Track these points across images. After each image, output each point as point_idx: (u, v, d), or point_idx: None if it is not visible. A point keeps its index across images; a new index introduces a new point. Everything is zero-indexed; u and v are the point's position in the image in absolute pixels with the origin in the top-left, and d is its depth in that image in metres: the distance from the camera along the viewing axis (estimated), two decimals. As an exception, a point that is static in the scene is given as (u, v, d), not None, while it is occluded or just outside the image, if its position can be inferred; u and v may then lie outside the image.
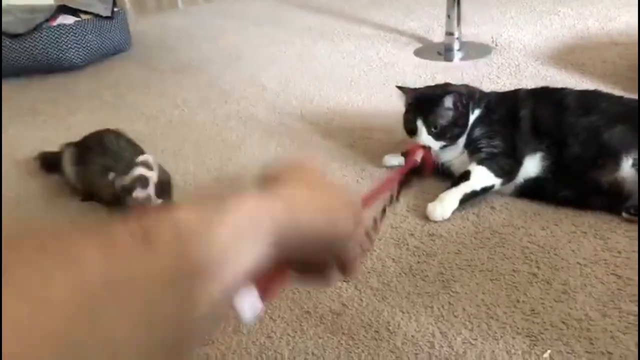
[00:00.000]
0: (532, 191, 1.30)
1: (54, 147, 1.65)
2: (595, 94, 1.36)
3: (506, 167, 1.29)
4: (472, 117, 1.36)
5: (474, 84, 1.97)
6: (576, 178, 1.25)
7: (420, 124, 1.34)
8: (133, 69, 2.43)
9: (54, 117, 1.99)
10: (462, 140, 1.36)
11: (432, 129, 1.33)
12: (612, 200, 1.21)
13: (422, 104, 1.36)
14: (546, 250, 1.14)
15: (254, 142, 1.71)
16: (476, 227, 1.24)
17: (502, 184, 1.30)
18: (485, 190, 1.29)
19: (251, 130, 1.79)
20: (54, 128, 1.90)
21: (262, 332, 1.01)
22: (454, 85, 1.45)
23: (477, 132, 1.35)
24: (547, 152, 1.28)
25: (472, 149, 1.34)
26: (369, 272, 1.13)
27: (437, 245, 1.19)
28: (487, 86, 1.90)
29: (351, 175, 1.48)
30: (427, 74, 2.13)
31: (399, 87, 1.47)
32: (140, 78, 2.32)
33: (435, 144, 1.33)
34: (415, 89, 1.45)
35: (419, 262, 1.15)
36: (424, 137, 1.33)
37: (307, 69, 2.28)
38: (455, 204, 1.27)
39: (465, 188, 1.28)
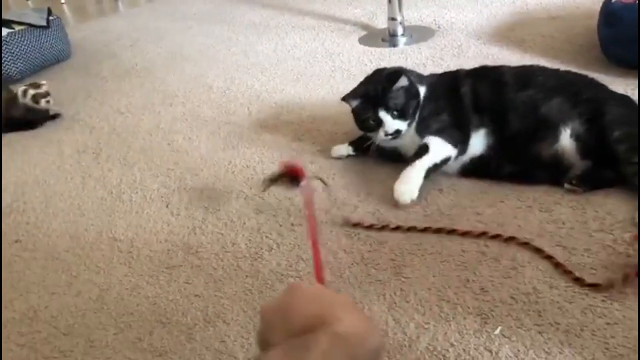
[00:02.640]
0: (477, 169, 1.31)
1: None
2: (532, 69, 1.39)
3: (458, 137, 1.30)
4: (421, 96, 1.37)
5: (419, 67, 1.99)
6: (519, 153, 1.27)
7: (382, 114, 1.32)
8: (74, 78, 2.36)
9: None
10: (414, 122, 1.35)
11: (395, 112, 1.32)
12: (554, 173, 1.23)
13: (373, 97, 1.35)
14: (494, 228, 1.15)
15: (201, 144, 1.68)
16: (425, 210, 1.24)
17: (457, 154, 1.30)
18: (444, 162, 1.29)
19: (198, 132, 1.76)
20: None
21: (215, 337, 0.99)
22: (386, 68, 1.46)
23: (425, 111, 1.35)
24: (490, 128, 1.30)
25: (422, 127, 1.34)
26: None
27: (387, 232, 1.19)
28: (432, 68, 1.91)
29: (300, 169, 1.47)
30: (373, 61, 2.13)
31: (344, 100, 1.42)
32: (82, 87, 2.26)
33: (403, 126, 1.32)
34: (354, 90, 1.42)
35: (370, 250, 1.15)
36: (390, 123, 1.31)
37: (252, 64, 2.26)
38: (420, 180, 1.26)
39: (427, 162, 1.27)
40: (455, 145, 1.29)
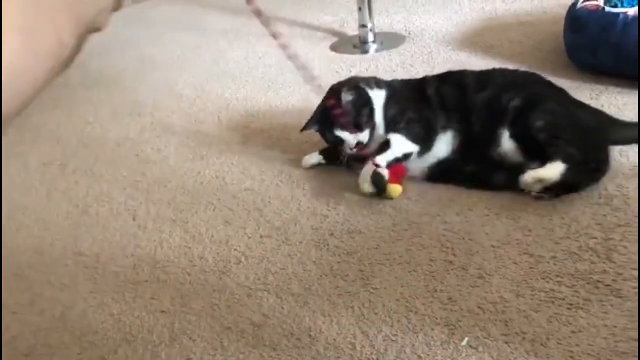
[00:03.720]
0: (443, 173, 1.32)
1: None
2: (492, 71, 1.43)
3: (421, 134, 1.32)
4: (379, 100, 1.38)
5: (389, 73, 1.99)
6: (479, 155, 1.28)
7: (339, 132, 1.34)
8: (41, 88, 2.31)
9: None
10: (381, 125, 1.36)
11: (351, 127, 1.33)
12: (510, 175, 1.24)
13: (326, 117, 1.37)
14: (461, 236, 1.16)
15: (169, 154, 1.66)
16: (393, 219, 1.24)
17: (420, 151, 1.31)
18: (406, 158, 1.30)
19: (167, 142, 1.73)
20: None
21: (181, 355, 0.98)
22: (340, 82, 1.47)
23: (390, 112, 1.37)
24: (455, 130, 1.32)
25: (389, 127, 1.36)
26: (290, 278, 1.11)
27: (356, 242, 1.19)
28: (401, 75, 1.90)
29: (270, 179, 1.46)
30: (343, 68, 2.13)
31: (304, 130, 1.45)
32: (48, 95, 2.21)
33: (364, 137, 1.33)
34: (311, 117, 1.43)
35: (339, 261, 1.14)
36: (351, 138, 1.33)
37: (223, 72, 2.24)
38: (383, 165, 1.27)
39: (387, 156, 1.28)
40: (416, 141, 1.31)
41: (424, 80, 1.42)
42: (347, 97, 1.35)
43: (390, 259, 1.13)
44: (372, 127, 1.35)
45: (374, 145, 1.37)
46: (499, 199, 1.23)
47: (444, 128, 1.32)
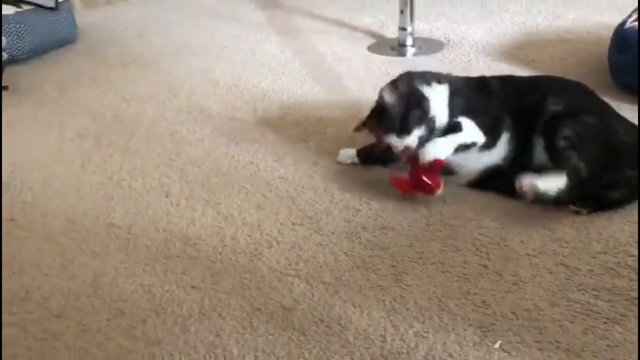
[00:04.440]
0: (486, 181, 1.29)
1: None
2: (543, 76, 1.48)
3: (489, 127, 1.27)
4: (442, 95, 1.31)
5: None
6: (522, 165, 1.26)
7: (386, 135, 1.28)
8: (79, 62, 2.34)
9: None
10: (444, 118, 1.29)
11: (397, 130, 1.26)
12: None
13: (377, 118, 1.33)
14: (496, 242, 1.15)
15: (204, 137, 1.66)
16: (427, 219, 1.23)
17: (485, 144, 1.27)
18: (472, 146, 1.26)
19: (202, 125, 1.74)
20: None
21: (210, 330, 0.98)
22: (394, 79, 1.38)
23: (456, 103, 1.30)
24: (511, 134, 1.29)
25: (454, 116, 1.30)
26: (321, 267, 1.11)
27: (389, 239, 1.18)
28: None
29: (304, 169, 1.46)
30: (381, 69, 2.13)
31: (356, 131, 1.41)
32: (87, 72, 2.24)
33: (411, 140, 1.25)
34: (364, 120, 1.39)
35: (371, 255, 1.14)
36: (397, 142, 1.26)
37: (260, 63, 2.25)
38: (450, 150, 1.23)
39: (458, 138, 1.24)
40: (485, 133, 1.26)
41: (485, 79, 1.39)
42: (391, 97, 1.28)
43: (424, 258, 1.12)
44: (428, 131, 1.27)
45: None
46: (535, 208, 1.22)
47: (506, 128, 1.29)
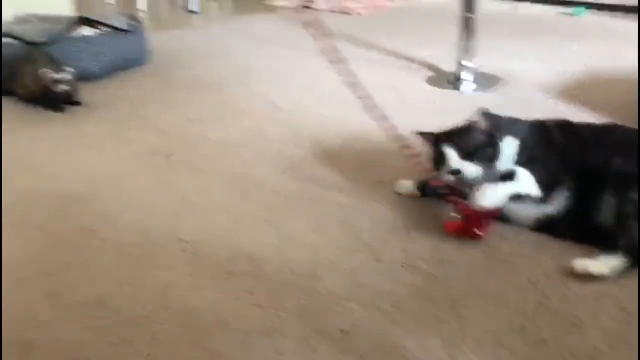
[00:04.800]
0: (551, 227, 1.30)
1: (64, 156, 1.68)
2: (612, 127, 1.38)
3: (545, 181, 1.27)
4: (513, 148, 1.32)
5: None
6: (586, 220, 1.25)
7: (459, 161, 1.30)
8: (149, 83, 2.47)
9: (68, 126, 2.02)
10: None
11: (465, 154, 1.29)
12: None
13: (452, 136, 1.35)
14: (556, 282, 1.15)
15: (267, 160, 1.73)
16: (486, 254, 1.25)
17: (539, 199, 1.27)
18: (525, 198, 1.27)
19: (263, 148, 1.81)
20: (67, 137, 1.93)
21: (272, 349, 1.02)
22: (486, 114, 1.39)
23: (520, 159, 1.31)
24: (570, 187, 1.28)
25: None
26: (379, 294, 1.14)
27: (447, 271, 1.21)
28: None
29: (362, 196, 1.50)
30: (437, 101, 2.16)
31: (420, 135, 1.44)
32: (156, 92, 2.35)
33: (474, 171, 1.28)
34: (434, 133, 1.41)
35: (429, 286, 1.16)
36: (470, 169, 1.29)
37: (319, 91, 2.32)
38: (502, 200, 1.25)
39: (513, 188, 1.26)
40: (540, 187, 1.27)
41: (549, 129, 1.37)
42: (483, 123, 1.31)
43: (481, 293, 1.14)
44: (485, 175, 1.28)
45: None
46: (596, 251, 1.22)
47: (562, 182, 1.28)
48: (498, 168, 1.29)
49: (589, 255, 1.20)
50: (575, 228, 1.26)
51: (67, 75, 2.07)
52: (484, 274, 1.19)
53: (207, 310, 1.11)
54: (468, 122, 1.35)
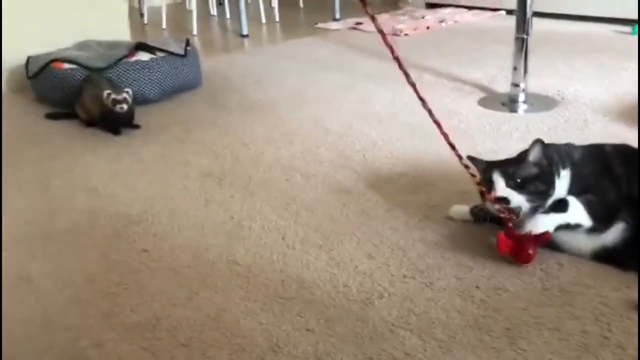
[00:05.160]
0: (607, 258, 1.25)
1: (121, 178, 1.74)
2: None
3: (600, 214, 1.24)
4: (565, 180, 1.29)
5: (540, 136, 1.96)
6: None
7: (506, 189, 1.28)
8: (202, 106, 2.53)
9: (126, 149, 2.08)
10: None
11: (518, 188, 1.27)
12: None
13: (502, 165, 1.32)
14: (618, 313, 1.11)
15: (317, 183, 1.74)
16: (543, 283, 1.21)
17: (592, 229, 1.24)
18: (575, 227, 1.24)
19: (315, 171, 1.82)
20: (125, 159, 1.99)
21: (325, 375, 1.01)
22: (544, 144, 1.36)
23: (573, 188, 1.28)
24: (629, 221, 1.23)
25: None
26: (433, 322, 1.12)
27: (503, 300, 1.17)
28: (554, 139, 1.86)
29: (414, 221, 1.49)
30: (492, 124, 2.13)
31: (469, 158, 1.42)
32: (209, 115, 2.41)
33: (519, 200, 1.25)
34: (485, 161, 1.40)
35: (484, 315, 1.13)
36: (517, 197, 1.26)
37: (369, 113, 2.32)
38: (550, 227, 1.23)
39: (562, 218, 1.23)
40: (593, 218, 1.23)
41: (608, 158, 1.31)
42: (539, 153, 1.29)
43: (539, 323, 1.10)
44: (533, 205, 1.26)
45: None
46: (662, 281, 1.17)
47: (619, 212, 1.24)
48: (550, 201, 1.27)
49: (655, 287, 1.15)
50: (636, 259, 1.21)
51: (126, 96, 2.16)
52: (542, 303, 1.15)
53: (259, 333, 1.12)
54: (522, 152, 1.33)
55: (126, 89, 2.20)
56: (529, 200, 1.26)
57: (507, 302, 1.17)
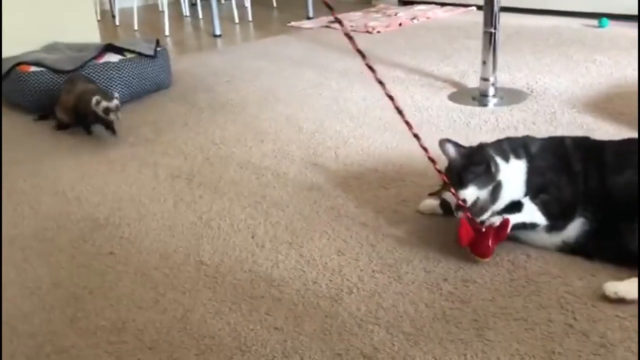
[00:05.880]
0: (571, 251, 1.26)
1: (95, 182, 1.71)
2: (631, 145, 1.31)
3: (556, 214, 1.25)
4: (520, 171, 1.30)
5: (509, 129, 1.98)
6: (613, 240, 1.21)
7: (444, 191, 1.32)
8: (173, 106, 2.50)
9: (95, 150, 2.05)
10: (520, 193, 1.28)
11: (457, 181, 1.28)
12: None
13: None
14: (583, 301, 1.12)
15: (288, 181, 1.73)
16: (511, 274, 1.22)
17: (547, 228, 1.26)
18: (532, 227, 1.26)
19: (286, 169, 1.81)
20: (93, 161, 1.96)
21: (292, 373, 1.00)
22: (486, 144, 1.38)
23: (533, 182, 1.28)
24: (588, 217, 1.24)
25: (531, 195, 1.28)
26: (401, 316, 1.12)
27: (471, 292, 1.18)
28: (523, 132, 1.90)
29: (384, 216, 1.49)
30: (462, 118, 2.14)
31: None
32: (179, 115, 2.39)
33: (469, 195, 1.26)
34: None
35: (452, 308, 1.14)
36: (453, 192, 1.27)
37: (341, 110, 2.32)
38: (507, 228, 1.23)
39: (516, 217, 1.25)
40: (548, 218, 1.25)
41: (566, 149, 1.31)
42: (451, 149, 1.31)
43: (506, 314, 1.11)
44: (489, 196, 1.27)
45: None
46: (626, 269, 1.18)
47: (578, 213, 1.24)
48: (499, 192, 1.27)
49: (618, 275, 1.16)
50: (601, 251, 1.23)
51: (117, 103, 2.08)
52: (509, 294, 1.16)
53: (227, 333, 1.10)
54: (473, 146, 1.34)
55: (115, 95, 2.12)
56: (479, 187, 1.26)
57: (474, 293, 1.17)
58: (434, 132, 2.01)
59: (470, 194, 1.27)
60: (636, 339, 1.01)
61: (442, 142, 1.35)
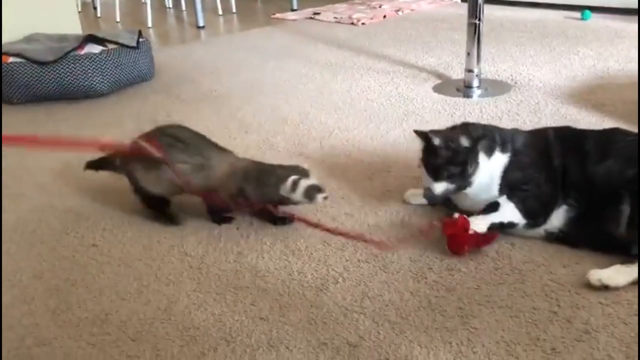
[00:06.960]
0: (555, 240, 1.27)
1: (74, 171, 1.68)
2: (615, 134, 1.32)
3: (535, 211, 1.26)
4: (501, 162, 1.29)
5: (494, 120, 1.99)
6: (596, 228, 1.22)
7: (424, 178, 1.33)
8: (155, 98, 2.47)
9: (77, 142, 2.02)
10: (494, 186, 1.29)
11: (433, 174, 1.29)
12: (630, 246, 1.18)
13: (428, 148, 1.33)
14: (567, 289, 1.13)
15: (273, 172, 1.71)
16: (495, 263, 1.22)
17: (526, 226, 1.27)
18: (510, 226, 1.27)
19: (271, 160, 1.78)
20: (76, 154, 1.93)
21: (278, 362, 1.00)
22: (471, 124, 1.37)
23: (511, 177, 1.29)
24: (571, 204, 1.25)
25: (503, 190, 1.29)
26: (386, 305, 1.12)
27: (456, 280, 1.18)
28: (507, 123, 1.90)
29: (369, 206, 1.49)
30: (446, 109, 2.14)
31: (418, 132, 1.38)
32: (163, 107, 2.36)
33: (438, 188, 1.28)
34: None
35: (437, 296, 1.14)
36: (433, 186, 1.29)
37: (326, 102, 2.31)
38: (482, 229, 1.24)
39: (493, 218, 1.26)
40: (527, 216, 1.26)
41: (548, 141, 1.31)
42: (437, 141, 1.29)
43: (491, 302, 1.11)
44: (460, 185, 1.28)
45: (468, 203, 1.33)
46: (609, 257, 1.19)
47: (561, 202, 1.25)
48: (471, 181, 1.29)
49: (602, 263, 1.17)
50: (585, 239, 1.24)
51: (314, 177, 1.38)
52: (494, 282, 1.16)
53: (212, 324, 1.10)
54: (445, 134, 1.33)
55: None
56: (451, 182, 1.28)
57: (459, 282, 1.17)
58: (418, 123, 2.01)
59: (441, 187, 1.29)
60: (620, 326, 1.02)
61: (420, 133, 1.34)
